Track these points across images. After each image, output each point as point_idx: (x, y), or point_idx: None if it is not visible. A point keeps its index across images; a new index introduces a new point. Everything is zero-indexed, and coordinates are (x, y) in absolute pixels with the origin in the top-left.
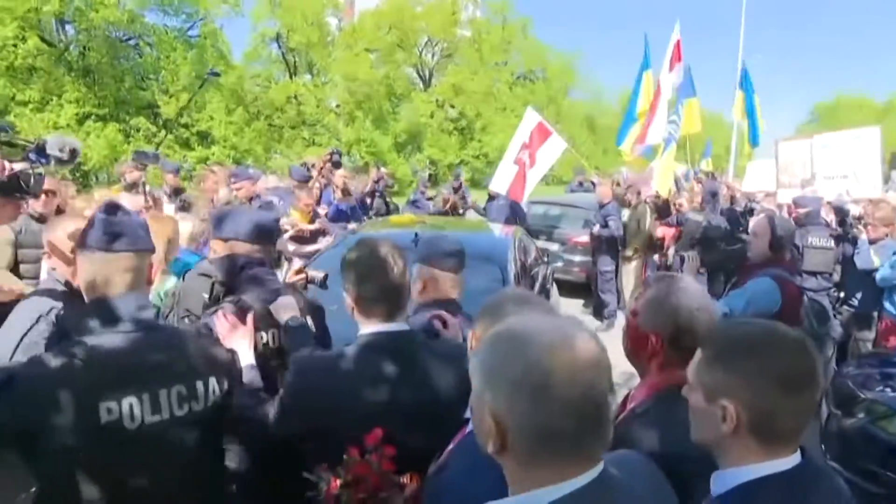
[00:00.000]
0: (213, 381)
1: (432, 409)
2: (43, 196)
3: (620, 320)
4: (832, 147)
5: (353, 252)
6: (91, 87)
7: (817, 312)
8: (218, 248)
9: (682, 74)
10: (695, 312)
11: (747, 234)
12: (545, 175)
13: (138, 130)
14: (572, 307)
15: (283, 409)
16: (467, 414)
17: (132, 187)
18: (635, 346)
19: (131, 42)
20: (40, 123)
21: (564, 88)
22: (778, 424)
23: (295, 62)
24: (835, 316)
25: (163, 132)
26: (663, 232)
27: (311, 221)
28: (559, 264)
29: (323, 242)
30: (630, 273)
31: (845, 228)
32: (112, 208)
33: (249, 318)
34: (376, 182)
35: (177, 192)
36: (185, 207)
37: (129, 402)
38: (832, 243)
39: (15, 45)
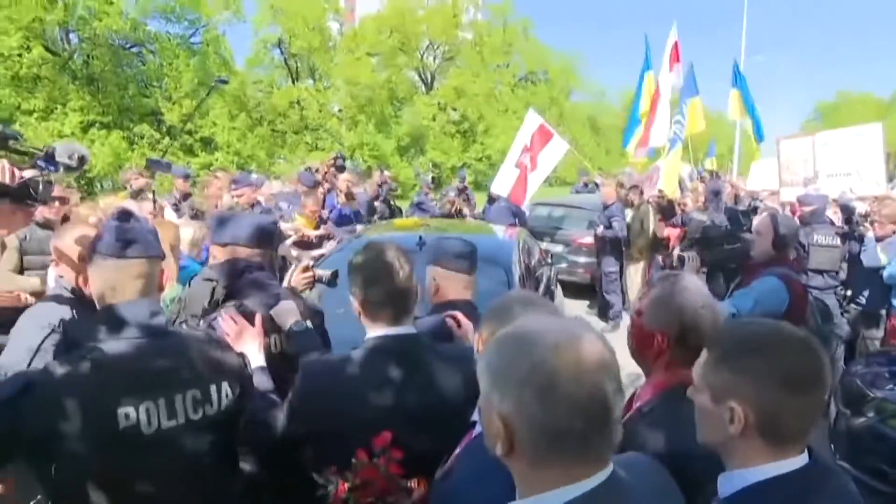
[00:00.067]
0: (225, 385)
1: (438, 413)
2: (57, 203)
3: (626, 321)
4: (834, 145)
5: (359, 256)
6: (95, 95)
7: (822, 311)
8: (218, 254)
9: (683, 75)
10: (699, 311)
11: (751, 232)
12: (548, 177)
13: (142, 137)
14: (577, 308)
15: (291, 412)
16: (474, 417)
17: (138, 194)
18: (641, 346)
19: (134, 50)
20: (45, 132)
21: (566, 90)
22: (786, 425)
23: (297, 67)
24: (842, 314)
25: (166, 139)
26: (668, 232)
27: (317, 227)
28: (563, 265)
29: (327, 247)
30: (634, 274)
31: (852, 226)
32: (125, 215)
33: (258, 320)
34: (380, 186)
35: (185, 196)
36: (196, 216)
37: (146, 408)
38: (838, 241)
39: (20, 55)
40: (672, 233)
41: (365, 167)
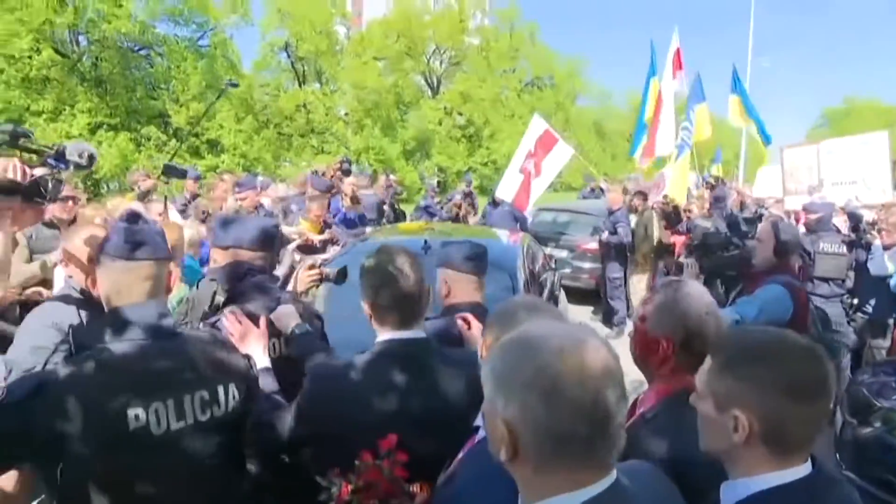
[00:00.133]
0: (232, 386)
1: (443, 417)
2: (69, 202)
3: (630, 327)
4: (839, 153)
5: (370, 260)
6: (103, 97)
7: (822, 319)
8: (219, 258)
9: (690, 81)
10: (704, 317)
11: (754, 239)
12: (553, 182)
13: (149, 139)
14: (581, 314)
15: (298, 415)
16: (477, 421)
17: (145, 195)
18: (645, 352)
19: (142, 52)
20: (53, 133)
21: (572, 94)
22: (790, 434)
23: (304, 71)
24: (849, 323)
25: (173, 141)
26: (674, 239)
27: (321, 232)
28: (567, 271)
29: (331, 252)
30: (638, 282)
31: (859, 234)
32: (133, 217)
33: (262, 321)
34: (387, 189)
35: (195, 198)
36: (205, 219)
37: (155, 409)
38: (844, 249)
39: (30, 57)
40: (678, 239)
41: (371, 171)
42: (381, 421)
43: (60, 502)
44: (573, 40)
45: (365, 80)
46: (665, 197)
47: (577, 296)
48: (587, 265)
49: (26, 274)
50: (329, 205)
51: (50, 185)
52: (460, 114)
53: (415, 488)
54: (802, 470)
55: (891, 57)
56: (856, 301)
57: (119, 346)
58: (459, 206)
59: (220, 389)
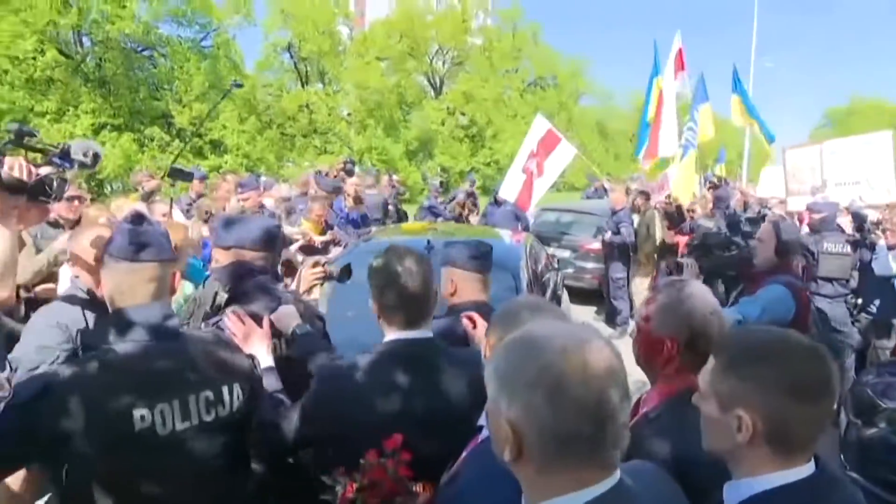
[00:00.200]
0: (236, 386)
1: (447, 417)
2: (75, 202)
3: (633, 327)
4: (843, 153)
5: (377, 260)
6: (107, 98)
7: (824, 319)
8: (221, 258)
9: (693, 82)
10: (708, 316)
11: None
12: (556, 182)
13: (152, 140)
14: (584, 314)
15: (304, 415)
16: (481, 421)
17: (149, 196)
18: (650, 352)
19: (146, 53)
20: (57, 134)
21: (575, 94)
22: (794, 434)
23: (306, 71)
24: (853, 323)
25: (176, 141)
26: (678, 239)
27: (323, 232)
28: (570, 270)
29: (334, 253)
30: (640, 283)
31: (863, 234)
32: (138, 218)
33: (266, 321)
34: (390, 189)
35: (200, 197)
36: (209, 220)
37: (161, 409)
38: (848, 249)
39: (34, 58)
40: (682, 240)
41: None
42: (387, 420)
43: (66, 502)
44: (576, 40)
45: (368, 80)
46: (668, 197)
47: (580, 296)
48: (590, 265)
49: (36, 266)
50: (332, 205)
51: (55, 183)
52: (463, 114)
53: (418, 488)
54: (806, 470)
55: (895, 56)
56: (860, 301)
57: (124, 347)
58: (463, 206)
59: (225, 390)
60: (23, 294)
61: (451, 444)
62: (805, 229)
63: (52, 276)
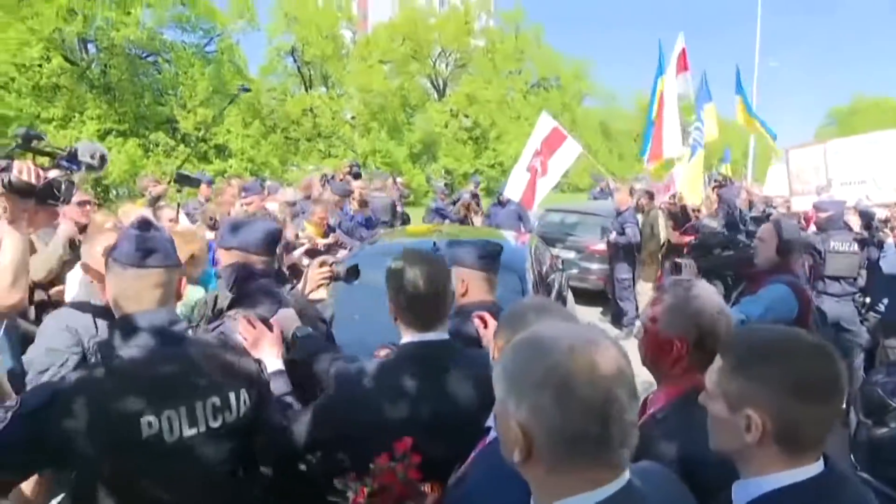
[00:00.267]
0: (243, 391)
1: (462, 418)
2: (86, 206)
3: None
4: (847, 152)
5: (395, 263)
6: (112, 104)
7: (827, 317)
8: (223, 259)
9: (696, 82)
10: (716, 316)
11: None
12: (560, 183)
13: (157, 145)
14: (590, 315)
15: (319, 417)
16: (488, 422)
17: (156, 200)
18: (658, 353)
19: (150, 59)
20: (63, 140)
21: (578, 95)
22: (803, 433)
23: (310, 75)
24: (862, 322)
25: (181, 146)
26: (684, 239)
27: (325, 235)
28: (575, 271)
29: (340, 254)
30: (645, 280)
31: (871, 232)
32: (144, 224)
33: (276, 324)
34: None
35: (208, 200)
36: (214, 226)
37: (168, 416)
38: (856, 247)
39: (40, 66)
40: (688, 240)
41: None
42: (401, 423)
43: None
44: (579, 42)
45: (371, 83)
46: (672, 197)
47: (586, 297)
48: (595, 266)
49: (48, 264)
50: (342, 208)
51: (63, 186)
52: (466, 116)
53: (426, 488)
54: (815, 469)
55: None
56: (868, 300)
57: (130, 353)
58: (468, 207)
59: (232, 395)
60: (37, 297)
61: (467, 445)
62: (812, 228)
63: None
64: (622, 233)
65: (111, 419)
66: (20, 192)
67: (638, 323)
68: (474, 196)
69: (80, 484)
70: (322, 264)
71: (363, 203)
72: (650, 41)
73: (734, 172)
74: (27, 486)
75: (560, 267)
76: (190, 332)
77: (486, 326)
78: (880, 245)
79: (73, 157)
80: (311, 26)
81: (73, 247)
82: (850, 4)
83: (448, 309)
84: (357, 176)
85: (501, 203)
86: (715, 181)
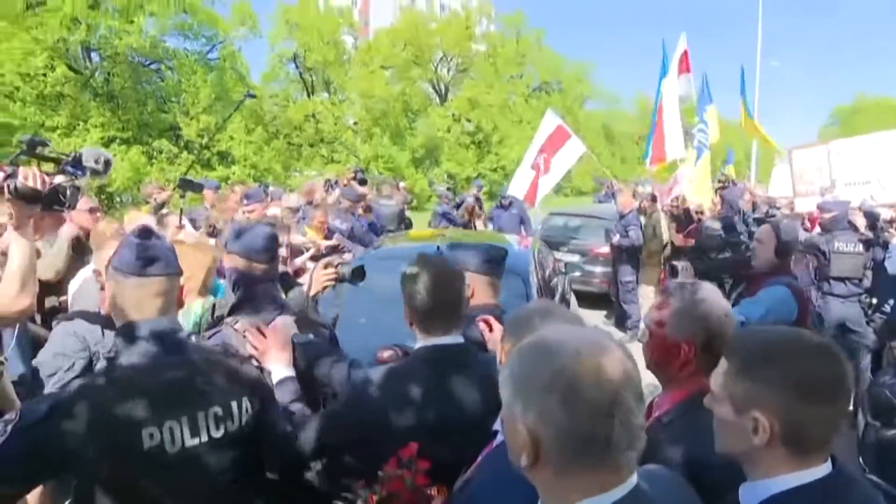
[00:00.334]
0: (245, 400)
1: (484, 420)
2: (96, 213)
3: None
4: (851, 153)
5: (411, 268)
6: (115, 112)
7: (819, 319)
8: (226, 262)
9: (698, 84)
10: (724, 318)
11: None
12: (562, 187)
13: (161, 152)
14: (594, 318)
15: (336, 422)
16: (495, 426)
17: (161, 207)
18: (665, 356)
19: (153, 67)
20: (67, 148)
21: (580, 98)
22: (810, 434)
23: (312, 81)
24: (868, 323)
25: (185, 153)
26: (689, 241)
27: (326, 239)
28: (577, 274)
29: (346, 257)
30: (646, 282)
31: (876, 232)
32: (145, 233)
33: (281, 331)
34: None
35: (213, 206)
36: (214, 234)
37: (170, 426)
38: (861, 248)
39: (44, 74)
40: (691, 242)
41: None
42: (424, 425)
43: None
44: (580, 45)
45: (373, 88)
46: (675, 199)
47: (589, 300)
48: (599, 269)
49: (56, 264)
50: (353, 213)
51: (68, 192)
52: (468, 120)
53: (433, 491)
54: (822, 470)
55: None
56: (874, 301)
57: (131, 363)
58: (472, 211)
59: (234, 404)
60: (48, 303)
61: (478, 448)
62: (816, 229)
63: (61, 289)
64: (626, 235)
65: (112, 431)
66: (26, 198)
67: (642, 325)
68: (477, 200)
69: (81, 494)
70: (327, 266)
71: (367, 209)
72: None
73: (737, 174)
74: (32, 497)
75: (562, 270)
76: (193, 338)
77: (490, 330)
78: (885, 245)
79: (77, 163)
80: (313, 32)
81: (76, 250)
82: (852, 4)
83: (463, 314)
84: (363, 182)
85: (504, 206)
86: (718, 181)
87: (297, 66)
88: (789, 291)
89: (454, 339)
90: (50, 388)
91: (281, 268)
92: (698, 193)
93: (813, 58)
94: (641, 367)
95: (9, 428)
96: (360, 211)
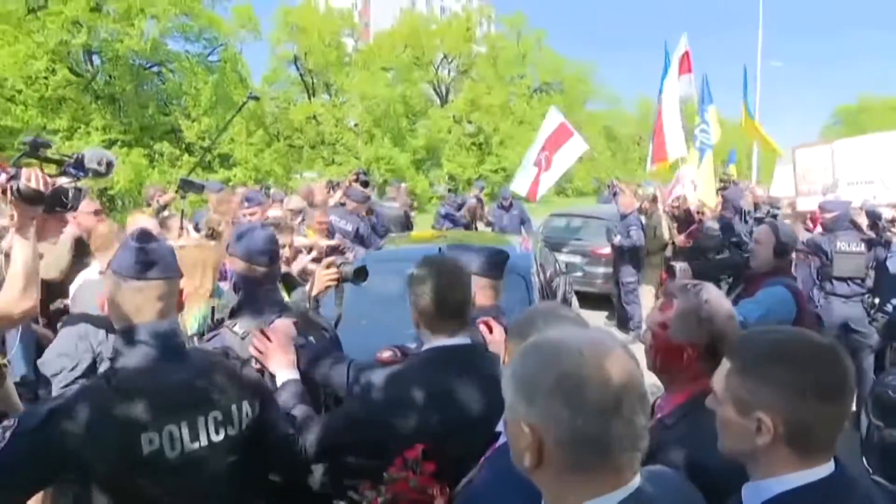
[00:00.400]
0: (245, 404)
1: (489, 421)
2: (101, 216)
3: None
4: (855, 152)
5: (419, 270)
6: (116, 115)
7: (818, 320)
8: (229, 265)
9: (698, 84)
10: (727, 321)
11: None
12: (564, 188)
13: (162, 155)
14: (595, 319)
15: (347, 423)
16: (499, 427)
17: (162, 209)
18: (668, 358)
19: (154, 69)
20: (69, 151)
21: (581, 99)
22: (814, 434)
23: (313, 83)
24: (870, 323)
25: (186, 155)
26: (689, 241)
27: (327, 238)
28: (578, 275)
29: (349, 257)
30: (646, 282)
31: (878, 232)
32: (144, 236)
33: (282, 333)
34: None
35: None
36: (212, 236)
37: (170, 431)
38: (863, 247)
39: (46, 78)
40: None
41: (381, 181)
42: (438, 424)
43: None
44: (581, 46)
45: (374, 90)
46: (677, 199)
47: (591, 301)
48: (600, 270)
49: (59, 263)
50: (359, 215)
51: (70, 193)
52: (469, 122)
53: (436, 490)
54: (826, 469)
55: None
56: (877, 301)
57: (130, 367)
58: (474, 212)
59: (234, 408)
60: (55, 305)
61: (483, 448)
62: (818, 229)
63: (65, 291)
64: (627, 236)
65: (110, 437)
66: (29, 199)
67: (644, 326)
68: (479, 201)
69: (80, 499)
70: (330, 265)
71: (369, 211)
72: (652, 43)
73: (739, 174)
74: (32, 502)
75: (563, 270)
76: (196, 340)
77: (490, 332)
78: (888, 245)
79: (80, 164)
80: (314, 35)
81: (78, 252)
82: (853, 4)
83: (470, 315)
84: (366, 184)
85: (505, 207)
86: (720, 181)
87: (297, 69)
88: (788, 292)
89: (461, 339)
90: (54, 387)
91: (283, 268)
92: (704, 194)
93: (814, 57)
94: (644, 368)
95: (7, 434)
96: (362, 212)
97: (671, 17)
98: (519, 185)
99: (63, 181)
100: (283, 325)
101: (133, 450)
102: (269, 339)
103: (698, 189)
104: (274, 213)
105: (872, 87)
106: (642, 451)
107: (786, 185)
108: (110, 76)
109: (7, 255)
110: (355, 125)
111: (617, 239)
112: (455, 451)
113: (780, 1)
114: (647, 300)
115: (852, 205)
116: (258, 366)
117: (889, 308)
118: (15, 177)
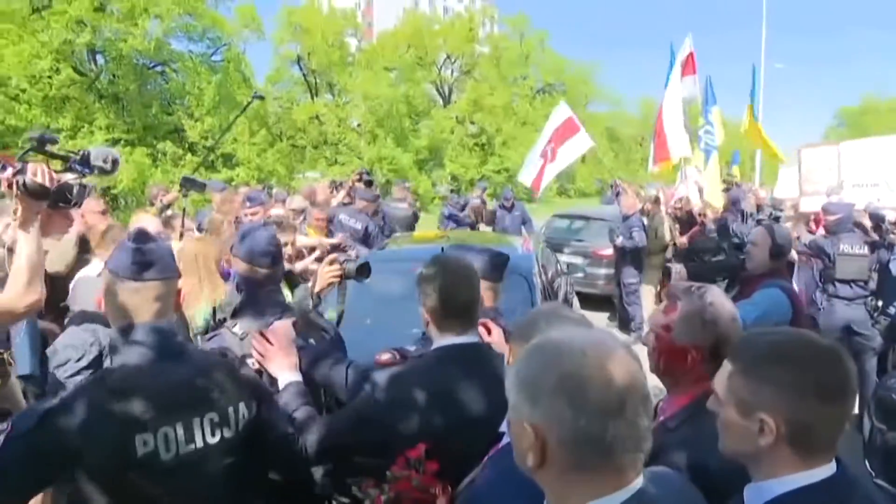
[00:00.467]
0: (242, 405)
1: (496, 420)
2: (106, 214)
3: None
4: (861, 154)
5: (429, 269)
6: (120, 114)
7: (813, 323)
8: (233, 266)
9: (702, 86)
10: (731, 323)
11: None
12: (567, 189)
13: (165, 154)
14: (597, 321)
15: (348, 422)
16: (502, 427)
17: (166, 209)
18: (672, 361)
19: (158, 69)
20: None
21: (584, 100)
22: (816, 435)
23: (316, 83)
24: (873, 325)
25: (189, 155)
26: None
27: (327, 237)
28: (580, 276)
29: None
30: (647, 283)
31: (881, 234)
32: (142, 236)
33: (282, 335)
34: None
35: None
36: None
37: (165, 433)
38: (866, 250)
39: (50, 77)
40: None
41: (383, 181)
42: (431, 425)
43: None
44: (584, 47)
45: (377, 90)
46: (679, 200)
47: (593, 302)
48: (602, 271)
49: (65, 258)
50: (369, 214)
51: (75, 190)
52: (472, 122)
53: (437, 489)
54: (828, 470)
55: None
56: (880, 303)
57: (126, 368)
58: (479, 211)
59: (230, 410)
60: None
61: (487, 447)
62: (821, 230)
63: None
64: (629, 237)
65: (105, 438)
66: (34, 194)
67: (646, 328)
68: (483, 201)
69: (76, 500)
70: (333, 262)
71: (375, 212)
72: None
73: (742, 175)
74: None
75: (565, 271)
76: (198, 339)
77: (489, 333)
78: (891, 247)
79: (85, 161)
80: (317, 35)
81: (80, 248)
82: (855, 5)
83: (478, 314)
84: (369, 184)
85: (507, 208)
86: (723, 182)
87: (301, 69)
88: (783, 294)
89: (469, 338)
90: (60, 377)
91: (286, 266)
92: (711, 195)
93: (817, 58)
94: (645, 370)
95: (0, 437)
96: (370, 212)
97: (673, 18)
98: (525, 176)
99: (68, 177)
100: (283, 327)
101: (127, 451)
102: (269, 341)
103: (705, 191)
104: (277, 212)
105: (875, 88)
106: (645, 453)
107: (790, 187)
108: (114, 75)
109: (11, 251)
110: (358, 125)
111: (619, 240)
112: (458, 451)
113: (782, 2)
114: (647, 300)
115: (856, 207)
116: (256, 366)
117: (892, 310)
118: (21, 171)
